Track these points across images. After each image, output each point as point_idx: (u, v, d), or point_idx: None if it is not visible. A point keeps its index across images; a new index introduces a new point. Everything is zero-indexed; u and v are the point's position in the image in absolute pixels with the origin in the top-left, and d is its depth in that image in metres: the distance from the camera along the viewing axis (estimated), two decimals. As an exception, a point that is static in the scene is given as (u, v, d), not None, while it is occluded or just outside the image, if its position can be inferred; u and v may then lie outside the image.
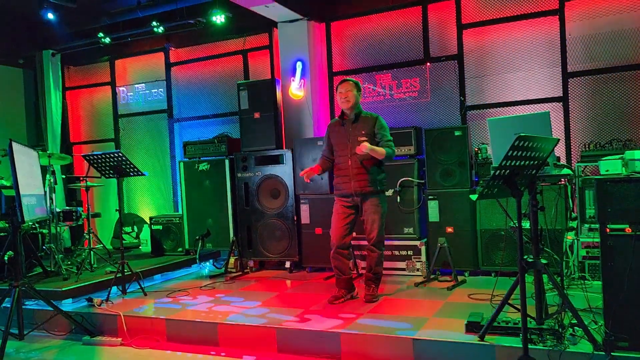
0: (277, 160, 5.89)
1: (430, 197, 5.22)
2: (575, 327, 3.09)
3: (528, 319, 2.89)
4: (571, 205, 4.73)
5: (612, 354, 2.83)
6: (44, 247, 5.70)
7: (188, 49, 7.49)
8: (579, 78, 5.45)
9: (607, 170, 3.29)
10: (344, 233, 4.33)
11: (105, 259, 5.82)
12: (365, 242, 4.45)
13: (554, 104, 5.51)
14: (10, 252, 4.63)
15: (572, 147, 5.44)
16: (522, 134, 2.61)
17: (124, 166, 4.94)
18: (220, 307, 4.43)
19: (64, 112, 8.19)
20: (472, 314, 3.45)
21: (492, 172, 2.76)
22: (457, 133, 5.14)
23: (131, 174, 5.01)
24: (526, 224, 3.23)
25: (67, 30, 7.37)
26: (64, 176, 7.55)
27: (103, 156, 4.90)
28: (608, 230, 2.94)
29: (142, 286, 5.05)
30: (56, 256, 5.40)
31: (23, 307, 4.18)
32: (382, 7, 6.21)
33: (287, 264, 5.86)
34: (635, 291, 2.86)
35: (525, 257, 2.96)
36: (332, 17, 6.50)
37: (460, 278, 4.87)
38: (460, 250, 5.04)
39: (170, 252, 6.48)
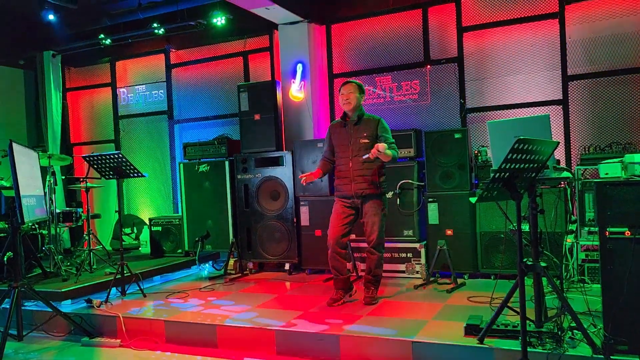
0: (277, 162, 5.89)
1: (430, 199, 5.23)
2: (575, 330, 3.09)
3: (527, 322, 2.89)
4: (571, 208, 4.73)
5: (611, 357, 2.83)
6: (43, 248, 5.70)
7: (188, 51, 7.50)
8: (578, 81, 5.45)
9: (606, 174, 3.29)
10: (341, 233, 4.31)
11: (104, 260, 5.81)
12: (365, 244, 4.45)
13: (553, 106, 5.51)
14: (9, 253, 4.64)
15: (571, 150, 5.44)
16: (521, 137, 2.62)
17: (124, 167, 4.94)
18: (219, 308, 4.43)
19: (64, 113, 8.19)
20: (472, 317, 3.45)
21: (491, 174, 2.76)
22: (457, 135, 5.15)
23: (131, 175, 5.01)
24: (526, 227, 3.23)
25: (67, 31, 7.37)
26: (64, 177, 7.55)
27: (103, 157, 4.90)
28: (607, 233, 2.94)
29: (142, 287, 5.05)
30: (55, 257, 5.40)
31: (22, 308, 4.19)
32: (383, 10, 6.22)
33: (287, 266, 5.86)
34: (634, 294, 2.86)
35: (524, 260, 2.96)
36: (332, 19, 6.51)
37: (459, 281, 4.87)
38: (459, 253, 5.04)
39: (169, 254, 6.48)
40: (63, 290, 4.72)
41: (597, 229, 2.99)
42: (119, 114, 8.03)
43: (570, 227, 4.65)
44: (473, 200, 4.88)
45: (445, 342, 3.28)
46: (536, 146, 2.73)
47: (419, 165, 5.36)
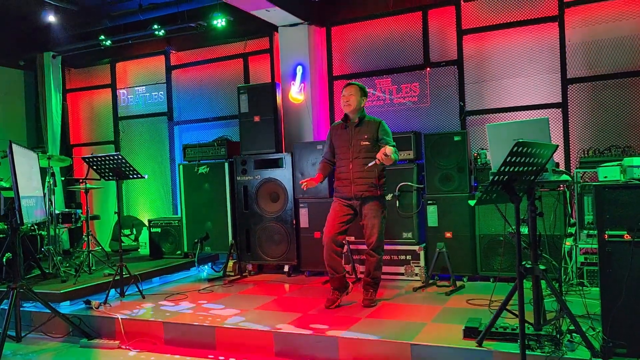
0: (277, 163, 5.90)
1: (429, 202, 5.23)
2: (573, 334, 3.09)
3: (526, 324, 2.89)
4: (570, 211, 4.73)
5: (609, 360, 2.83)
6: (42, 249, 5.69)
7: (189, 52, 7.51)
8: (578, 84, 5.46)
9: (605, 177, 3.30)
10: (338, 230, 4.29)
11: (103, 261, 5.81)
12: (364, 247, 4.44)
13: (553, 110, 5.52)
14: (8, 254, 4.64)
15: (571, 153, 5.45)
16: (521, 140, 2.62)
17: (123, 169, 4.94)
18: (218, 310, 4.42)
19: (64, 114, 8.20)
20: (470, 320, 3.45)
21: (491, 177, 2.76)
22: (456, 138, 5.15)
23: (131, 176, 5.01)
24: (525, 230, 3.24)
25: (68, 32, 7.38)
26: (63, 178, 7.55)
27: (103, 158, 4.90)
28: (606, 236, 2.95)
29: (141, 289, 5.04)
30: (55, 258, 5.40)
31: (21, 309, 4.18)
32: (383, 12, 6.23)
33: (286, 268, 5.86)
34: (633, 297, 2.86)
35: (523, 262, 2.96)
36: (332, 22, 6.52)
37: (458, 283, 4.87)
38: (458, 256, 5.04)
39: (168, 255, 6.48)
40: (62, 291, 4.71)
41: (596, 232, 2.99)
42: (119, 115, 8.03)
43: (569, 230, 4.65)
44: (472, 203, 4.88)
45: (444, 344, 3.27)
46: (535, 149, 2.73)
47: (419, 168, 5.36)
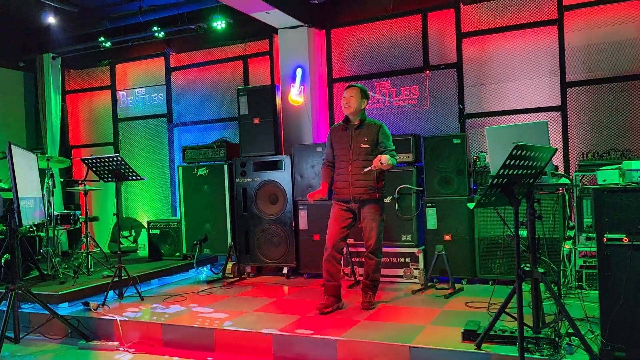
0: (276, 166, 5.90)
1: (428, 204, 5.23)
2: (572, 337, 3.09)
3: (525, 327, 2.89)
4: (569, 214, 4.73)
5: (608, 363, 2.83)
6: (41, 251, 5.68)
7: (188, 54, 7.52)
8: (577, 88, 5.48)
9: (604, 180, 3.30)
10: (340, 237, 4.30)
11: (102, 263, 5.80)
12: (363, 249, 4.44)
13: (552, 113, 5.53)
14: (7, 255, 4.63)
15: (570, 156, 5.45)
16: (520, 143, 2.63)
17: (122, 170, 4.94)
18: (217, 312, 4.42)
19: (64, 116, 8.20)
20: (469, 322, 3.45)
21: (490, 180, 2.77)
22: (455, 141, 5.16)
23: (130, 178, 5.01)
24: (523, 233, 3.24)
25: (68, 33, 7.39)
26: (62, 179, 7.55)
27: (102, 160, 4.89)
28: (605, 239, 2.95)
29: (139, 291, 5.04)
30: (53, 260, 5.39)
31: (19, 310, 4.17)
32: (383, 15, 6.24)
33: (285, 270, 5.85)
34: (632, 301, 2.86)
35: (522, 265, 2.96)
36: (332, 24, 6.53)
37: (457, 286, 4.87)
38: (457, 258, 5.04)
39: (167, 257, 6.47)
40: (60, 292, 4.70)
41: (595, 235, 3.00)
42: (118, 117, 8.04)
43: (568, 233, 4.66)
44: (471, 205, 4.89)
45: (443, 347, 3.27)
46: (534, 152, 2.74)
47: (418, 170, 5.36)
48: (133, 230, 7.42)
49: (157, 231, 6.56)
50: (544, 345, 3.03)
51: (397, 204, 5.32)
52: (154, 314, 4.42)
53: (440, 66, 6.04)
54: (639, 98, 5.23)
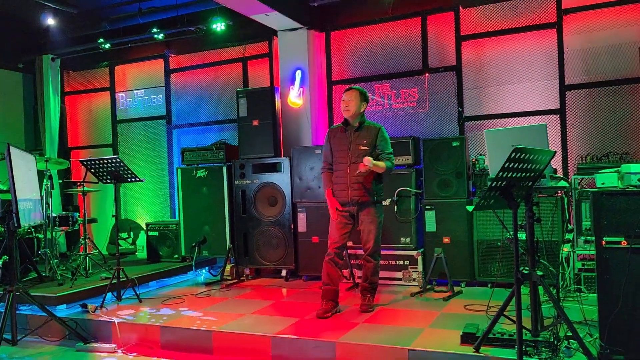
0: (275, 168, 5.89)
1: (427, 207, 5.23)
2: (571, 340, 3.08)
3: (523, 330, 2.89)
4: (567, 217, 4.74)
5: (607, 367, 2.83)
6: (39, 252, 5.67)
7: (188, 56, 7.52)
8: (576, 91, 5.48)
9: (603, 183, 3.31)
10: (342, 242, 4.31)
11: (100, 264, 5.79)
12: (361, 252, 4.44)
13: (551, 116, 5.54)
14: (5, 257, 4.62)
15: (569, 159, 5.46)
16: (519, 146, 2.63)
17: (121, 172, 4.94)
18: (215, 314, 4.41)
19: (63, 117, 8.19)
20: (468, 325, 3.45)
21: (489, 183, 2.77)
22: (454, 144, 5.16)
23: (128, 179, 5.00)
24: (522, 236, 3.24)
25: (67, 35, 7.38)
26: (61, 181, 7.54)
27: (100, 161, 4.89)
28: (604, 242, 2.95)
29: (137, 293, 5.03)
30: (51, 261, 5.38)
31: (17, 312, 4.17)
32: (382, 18, 6.24)
33: (283, 272, 5.85)
34: (630, 304, 2.86)
35: (521, 268, 2.96)
36: (332, 27, 6.53)
37: (456, 289, 4.87)
38: (456, 261, 5.04)
39: (166, 259, 6.46)
40: (58, 294, 4.69)
41: (593, 238, 3.00)
42: (117, 118, 8.03)
43: (567, 236, 4.66)
44: (470, 208, 4.89)
45: (442, 350, 3.27)
46: (533, 155, 2.74)
47: (417, 173, 5.36)
48: (132, 232, 7.41)
49: (156, 233, 6.55)
50: (543, 349, 3.03)
51: (396, 207, 5.32)
52: (152, 316, 4.41)
53: (439, 69, 6.04)
54: (638, 101, 5.24)
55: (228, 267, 5.94)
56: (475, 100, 5.90)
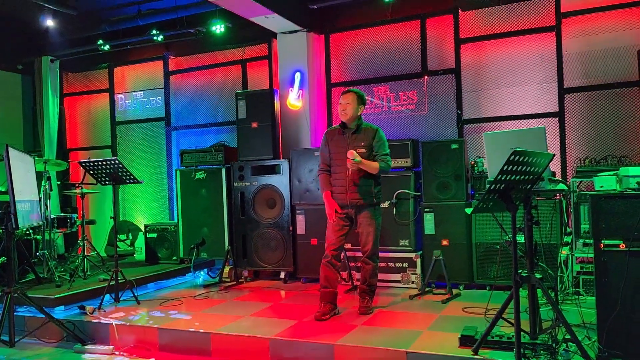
0: (274, 170, 5.89)
1: (426, 209, 5.23)
2: (569, 343, 3.09)
3: (522, 333, 2.89)
4: (566, 220, 4.74)
5: (605, 370, 2.83)
6: (37, 254, 5.66)
7: (187, 58, 7.52)
8: (575, 94, 5.49)
9: (601, 186, 3.31)
10: (339, 244, 4.32)
11: (98, 266, 5.79)
12: (360, 254, 4.43)
13: (550, 119, 5.54)
14: (3, 258, 4.61)
15: (567, 162, 5.46)
16: (517, 149, 2.63)
17: (120, 173, 4.93)
18: (214, 316, 4.41)
19: (62, 118, 8.18)
20: (466, 328, 3.45)
21: (487, 186, 2.77)
22: (453, 146, 5.16)
23: (127, 181, 5.00)
24: (521, 238, 3.24)
25: (66, 36, 7.38)
26: (59, 182, 7.53)
27: (99, 163, 4.89)
28: (602, 245, 2.95)
29: (136, 294, 5.02)
30: (49, 263, 5.37)
31: (15, 313, 4.15)
32: (381, 20, 6.26)
33: (282, 274, 5.84)
34: (629, 307, 2.86)
35: (519, 271, 2.96)
36: (331, 29, 6.54)
37: (455, 291, 4.87)
38: (455, 263, 5.04)
39: (164, 261, 6.45)
40: (56, 296, 4.69)
41: (592, 241, 3.00)
42: (116, 120, 8.03)
43: (565, 239, 4.66)
44: (469, 211, 4.87)
45: (440, 353, 3.27)
46: (532, 158, 2.74)
47: (416, 175, 5.37)
48: (130, 234, 7.40)
49: (155, 235, 6.54)
50: (541, 351, 3.03)
51: (394, 209, 5.32)
52: (150, 318, 4.41)
53: (438, 72, 6.05)
54: (637, 105, 5.25)
55: (226, 269, 5.93)
56: (474, 103, 5.90)
